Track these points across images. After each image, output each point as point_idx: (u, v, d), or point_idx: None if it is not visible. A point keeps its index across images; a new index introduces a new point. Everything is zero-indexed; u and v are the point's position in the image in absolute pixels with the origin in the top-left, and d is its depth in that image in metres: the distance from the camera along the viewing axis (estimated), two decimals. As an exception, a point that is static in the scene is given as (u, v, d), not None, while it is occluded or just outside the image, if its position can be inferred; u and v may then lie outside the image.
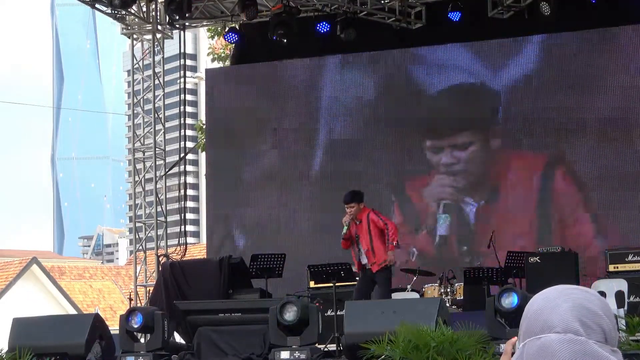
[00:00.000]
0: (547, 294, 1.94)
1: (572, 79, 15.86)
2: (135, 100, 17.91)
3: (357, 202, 12.18)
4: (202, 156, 31.31)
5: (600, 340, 1.87)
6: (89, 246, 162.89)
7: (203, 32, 27.83)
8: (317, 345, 11.16)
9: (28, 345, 10.87)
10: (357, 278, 12.57)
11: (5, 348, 11.25)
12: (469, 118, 16.47)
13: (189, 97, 22.99)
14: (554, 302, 1.90)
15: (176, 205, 18.17)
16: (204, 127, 21.18)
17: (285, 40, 15.85)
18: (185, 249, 17.37)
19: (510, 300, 10.22)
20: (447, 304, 12.75)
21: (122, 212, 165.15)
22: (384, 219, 12.28)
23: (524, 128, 16.15)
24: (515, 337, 1.99)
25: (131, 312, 11.79)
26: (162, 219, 17.37)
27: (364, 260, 12.15)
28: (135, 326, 11.44)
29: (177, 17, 16.70)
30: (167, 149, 17.96)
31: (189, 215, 47.82)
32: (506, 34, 16.06)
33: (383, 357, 9.23)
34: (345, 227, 12.09)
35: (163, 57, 18.00)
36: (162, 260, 16.10)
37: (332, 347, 11.65)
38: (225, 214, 17.72)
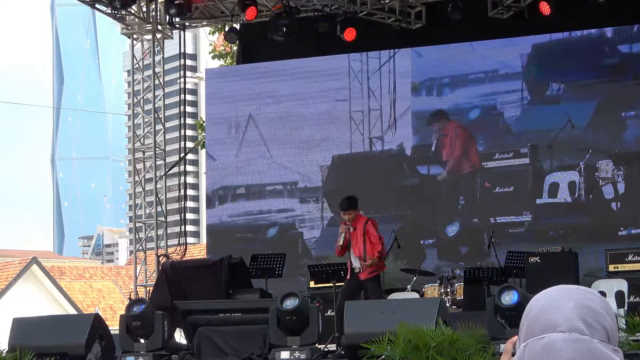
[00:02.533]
0: (548, 294, 1.93)
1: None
2: (135, 100, 17.91)
3: (354, 208, 12.06)
4: (202, 156, 31.29)
5: (603, 340, 1.87)
6: (89, 246, 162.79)
7: (203, 32, 27.83)
8: (317, 345, 11.17)
9: (28, 345, 10.87)
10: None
11: (6, 348, 11.24)
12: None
13: (189, 97, 22.98)
14: (557, 301, 1.89)
15: (176, 205, 18.18)
16: (204, 124, 21.20)
17: (285, 31, 15.77)
18: (185, 249, 17.38)
19: (510, 298, 10.22)
20: (447, 304, 12.74)
21: (122, 212, 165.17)
22: (377, 236, 11.94)
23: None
24: (516, 336, 1.98)
25: (134, 302, 11.86)
26: (162, 219, 17.37)
27: (355, 264, 11.93)
28: (136, 312, 11.38)
29: (177, 17, 16.70)
30: (167, 149, 17.96)
31: (189, 215, 47.82)
32: (506, 34, 16.05)
33: (383, 357, 9.22)
34: (342, 238, 11.85)
35: (163, 57, 18.00)
36: (162, 260, 16.11)
37: (332, 347, 11.66)
38: (225, 213, 17.71)
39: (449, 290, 13.68)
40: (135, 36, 17.56)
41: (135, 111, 17.93)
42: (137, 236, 17.87)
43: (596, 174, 15.80)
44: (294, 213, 17.47)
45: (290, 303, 10.92)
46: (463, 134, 16.66)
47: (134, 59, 17.77)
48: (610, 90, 15.88)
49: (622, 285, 12.09)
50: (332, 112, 17.39)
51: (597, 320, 1.87)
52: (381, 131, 17.19)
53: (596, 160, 15.80)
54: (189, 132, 20.77)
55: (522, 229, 16.13)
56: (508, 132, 16.41)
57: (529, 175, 16.27)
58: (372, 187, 16.32)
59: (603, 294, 11.95)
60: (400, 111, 17.03)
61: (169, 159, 18.20)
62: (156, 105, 17.61)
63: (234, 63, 20.37)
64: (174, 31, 17.75)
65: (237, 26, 17.21)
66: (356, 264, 11.95)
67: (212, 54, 25.90)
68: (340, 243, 11.89)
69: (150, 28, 17.25)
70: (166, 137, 17.88)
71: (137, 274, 17.59)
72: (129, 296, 17.97)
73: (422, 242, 16.58)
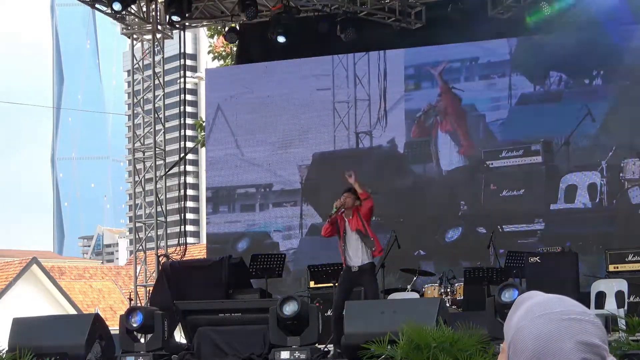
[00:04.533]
0: (543, 329, 1.84)
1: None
2: (135, 100, 17.91)
3: (355, 194, 11.70)
4: (202, 156, 31.25)
5: None
6: (89, 246, 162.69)
7: (203, 32, 27.86)
8: (317, 345, 11.16)
9: (28, 345, 10.87)
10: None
11: (5, 348, 11.24)
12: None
13: (189, 97, 22.97)
14: (555, 343, 1.81)
15: (176, 205, 18.18)
16: (204, 124, 21.21)
17: (284, 38, 15.78)
18: (185, 249, 17.38)
19: (510, 295, 10.25)
20: (447, 304, 12.73)
21: (122, 212, 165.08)
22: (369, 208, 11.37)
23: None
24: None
25: (131, 311, 11.82)
26: (162, 219, 17.37)
27: (351, 262, 11.36)
28: (135, 325, 11.48)
29: (178, 18, 16.69)
30: (167, 149, 17.97)
31: (189, 215, 47.78)
32: (506, 33, 16.03)
33: (383, 357, 9.22)
34: (334, 210, 11.16)
35: (163, 57, 18.00)
36: (162, 260, 16.10)
37: (332, 347, 11.64)
38: (225, 213, 17.69)
39: (449, 290, 13.67)
40: (135, 36, 17.57)
41: (135, 111, 17.94)
42: (137, 236, 17.87)
43: (621, 174, 14.41)
44: (268, 220, 16.57)
45: (289, 309, 10.89)
46: (463, 122, 15.64)
47: (134, 59, 17.78)
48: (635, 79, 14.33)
49: (622, 285, 12.07)
50: (312, 103, 16.40)
51: (596, 353, 1.83)
52: (369, 125, 15.93)
53: (621, 159, 14.25)
54: (189, 132, 20.76)
55: (534, 239, 14.60)
56: (512, 125, 15.10)
57: (542, 177, 14.85)
58: None
59: (603, 294, 11.94)
60: (392, 101, 15.92)
61: (169, 159, 18.20)
62: (156, 105, 17.62)
63: (233, 63, 20.35)
64: (174, 31, 17.76)
65: (237, 26, 17.21)
66: (353, 260, 11.52)
67: (212, 54, 25.90)
68: (332, 213, 11.12)
69: (150, 28, 17.27)
70: (166, 137, 17.89)
71: (137, 274, 17.59)
72: (129, 296, 17.96)
73: (416, 253, 15.34)
